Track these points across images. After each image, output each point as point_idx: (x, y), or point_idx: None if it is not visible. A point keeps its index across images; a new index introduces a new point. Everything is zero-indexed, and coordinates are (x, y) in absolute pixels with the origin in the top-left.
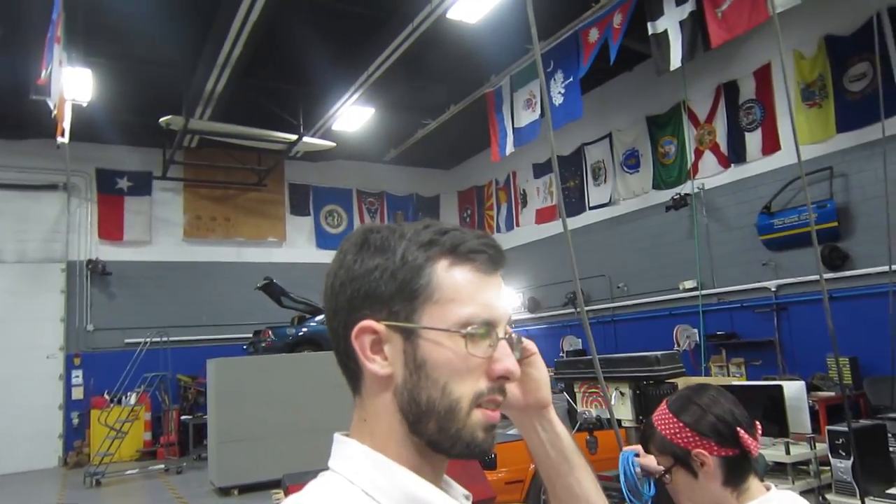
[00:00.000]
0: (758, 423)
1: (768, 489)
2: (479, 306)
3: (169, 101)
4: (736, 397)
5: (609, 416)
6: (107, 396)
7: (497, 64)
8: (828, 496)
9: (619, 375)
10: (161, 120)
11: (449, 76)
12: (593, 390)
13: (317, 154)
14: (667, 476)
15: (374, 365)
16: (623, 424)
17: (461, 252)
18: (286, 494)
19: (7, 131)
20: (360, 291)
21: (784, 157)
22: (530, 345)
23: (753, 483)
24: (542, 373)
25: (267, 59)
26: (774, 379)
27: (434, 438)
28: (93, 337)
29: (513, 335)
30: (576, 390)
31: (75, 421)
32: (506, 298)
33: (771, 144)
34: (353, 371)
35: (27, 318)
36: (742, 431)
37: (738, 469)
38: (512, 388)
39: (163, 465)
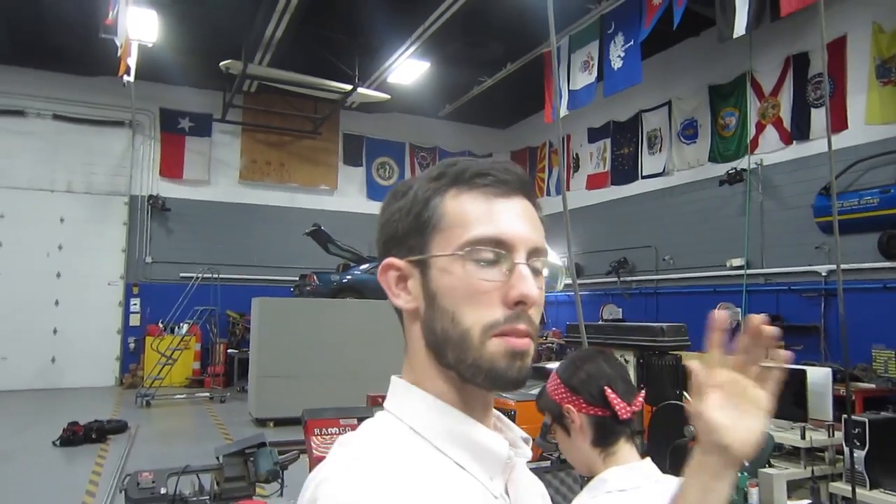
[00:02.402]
0: (642, 392)
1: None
2: (487, 227)
3: (230, 46)
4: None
5: None
6: (160, 325)
7: (557, 23)
8: (833, 484)
9: (625, 343)
10: (221, 64)
11: (507, 33)
12: None
13: (372, 105)
14: (551, 435)
15: (399, 300)
16: None
17: (466, 178)
18: (305, 429)
19: (79, 68)
20: (387, 235)
21: (850, 137)
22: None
23: (624, 449)
24: (759, 422)
25: (325, 7)
26: (814, 366)
27: (457, 368)
28: (150, 268)
29: (540, 263)
30: None
31: (131, 346)
32: (528, 222)
33: (838, 122)
34: (396, 310)
35: (92, 247)
36: (609, 391)
37: (607, 431)
38: (722, 418)
39: (208, 394)
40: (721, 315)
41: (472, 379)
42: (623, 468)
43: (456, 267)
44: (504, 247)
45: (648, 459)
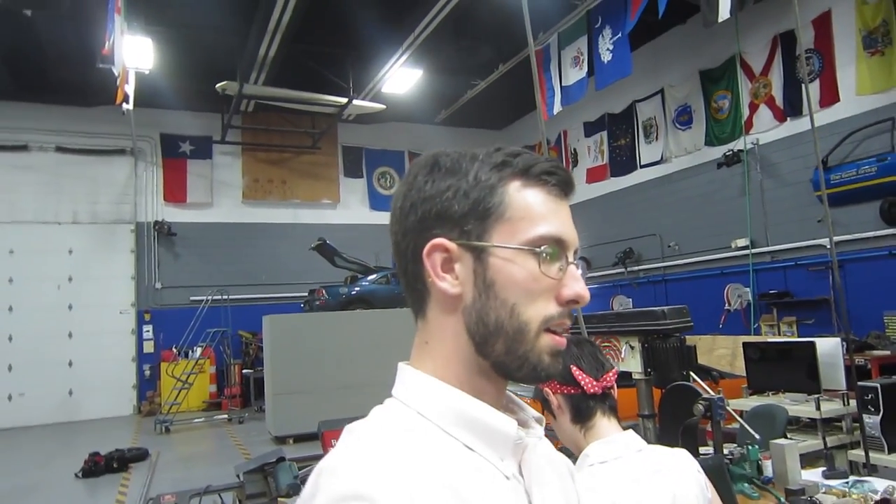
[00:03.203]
0: (613, 369)
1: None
2: (551, 226)
3: (225, 67)
4: (775, 355)
5: (621, 369)
6: (174, 350)
7: (545, 21)
8: (852, 451)
9: (628, 329)
10: (217, 85)
11: (496, 35)
12: (606, 344)
13: (368, 117)
14: (549, 422)
15: (445, 283)
16: (633, 377)
17: (533, 173)
18: (322, 441)
19: (79, 99)
20: (432, 212)
21: (843, 109)
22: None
23: (602, 422)
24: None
25: (316, 23)
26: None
27: (501, 360)
28: (161, 294)
29: (579, 264)
30: None
31: (147, 373)
32: (573, 224)
33: (829, 96)
34: (419, 292)
35: (102, 276)
36: (575, 369)
37: (581, 407)
38: None
39: (226, 416)
40: None
41: (514, 371)
42: (602, 442)
43: (522, 260)
44: (562, 246)
45: (630, 431)
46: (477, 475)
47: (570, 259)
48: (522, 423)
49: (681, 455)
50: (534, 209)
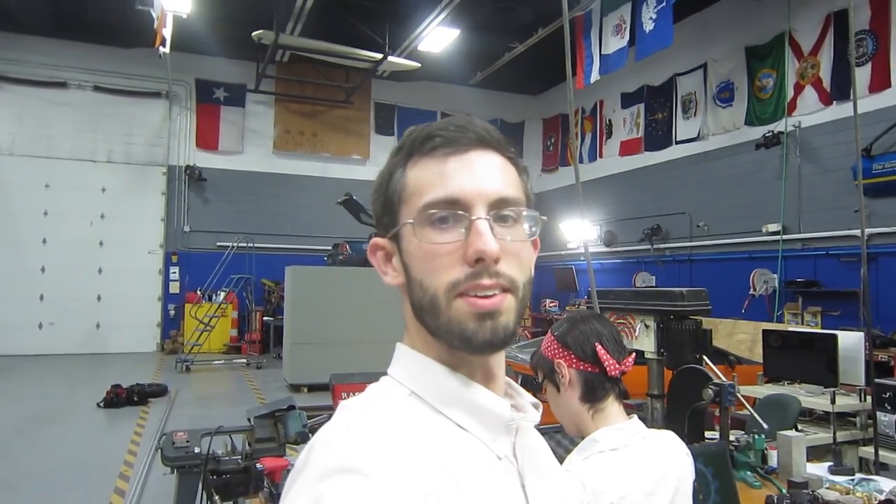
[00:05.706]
0: (632, 354)
1: (630, 418)
2: (438, 189)
3: (263, 16)
4: (795, 344)
5: (634, 347)
6: (199, 293)
7: None
8: (863, 448)
9: (645, 308)
10: (254, 34)
11: None
12: (621, 321)
13: (403, 74)
14: (542, 393)
15: (387, 277)
16: (645, 356)
17: (418, 145)
18: (333, 393)
19: (117, 40)
20: (374, 219)
21: (894, 96)
22: None
23: (613, 407)
24: None
25: None
26: (850, 330)
27: (438, 336)
28: (189, 237)
29: (512, 213)
30: None
31: (172, 312)
32: (486, 175)
33: (880, 81)
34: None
35: (133, 217)
36: (600, 348)
37: (596, 387)
38: None
39: (245, 360)
40: None
41: (451, 344)
42: (612, 428)
43: (421, 234)
44: (459, 206)
45: (635, 417)
46: (469, 454)
47: (478, 215)
48: (518, 407)
49: (674, 440)
50: (423, 180)
